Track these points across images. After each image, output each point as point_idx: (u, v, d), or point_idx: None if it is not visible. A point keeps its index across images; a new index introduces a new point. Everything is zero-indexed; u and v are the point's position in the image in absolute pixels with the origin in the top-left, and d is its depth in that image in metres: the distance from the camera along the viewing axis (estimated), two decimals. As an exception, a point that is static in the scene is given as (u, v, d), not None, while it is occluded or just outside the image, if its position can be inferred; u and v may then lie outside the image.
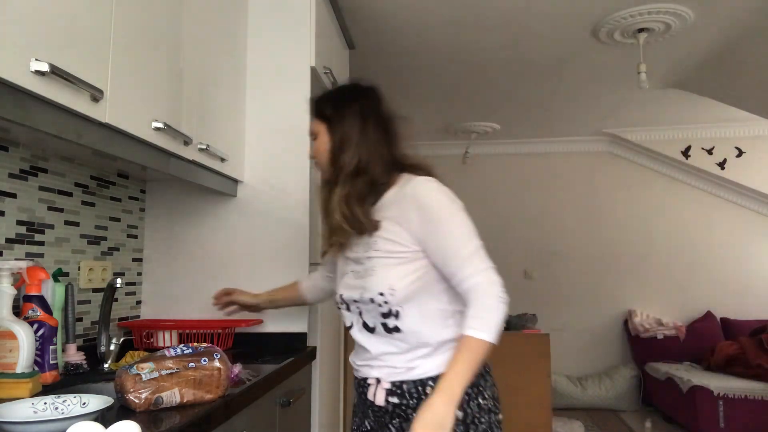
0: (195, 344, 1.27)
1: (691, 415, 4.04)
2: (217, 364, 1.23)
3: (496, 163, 5.52)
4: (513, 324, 3.74)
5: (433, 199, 1.28)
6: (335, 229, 1.33)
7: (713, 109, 4.47)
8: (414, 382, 1.28)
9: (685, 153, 5.07)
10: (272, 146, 2.14)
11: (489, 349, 1.19)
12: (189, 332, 1.94)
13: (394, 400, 1.30)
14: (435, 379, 1.25)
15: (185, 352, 1.23)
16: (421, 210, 1.26)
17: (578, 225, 5.33)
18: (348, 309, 1.37)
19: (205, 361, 1.22)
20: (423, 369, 1.28)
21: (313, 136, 1.42)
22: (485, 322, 1.19)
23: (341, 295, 1.38)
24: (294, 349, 1.98)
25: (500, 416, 1.33)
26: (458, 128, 4.98)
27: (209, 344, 1.30)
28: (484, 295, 1.21)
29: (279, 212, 2.11)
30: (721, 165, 5.00)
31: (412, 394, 1.28)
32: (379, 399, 1.31)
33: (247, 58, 2.17)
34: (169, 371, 1.16)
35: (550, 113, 4.61)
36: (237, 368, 1.39)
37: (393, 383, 1.30)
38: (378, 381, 1.32)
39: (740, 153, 4.98)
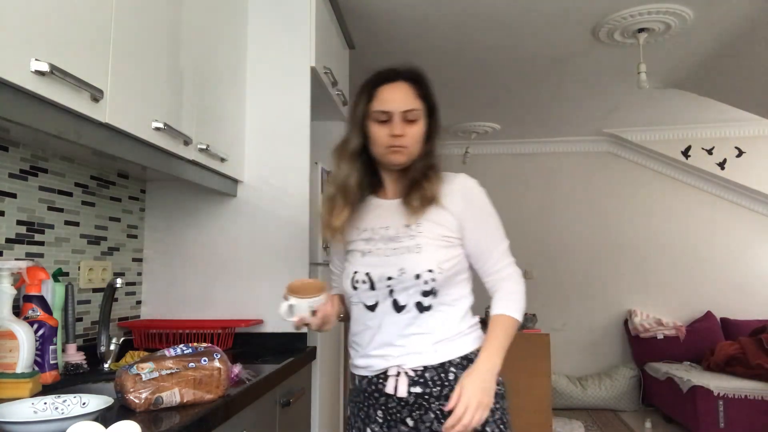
0: (195, 344, 1.27)
1: (691, 415, 4.04)
2: (217, 364, 1.23)
3: (496, 163, 5.52)
4: (513, 324, 3.73)
5: (481, 196, 1.42)
6: (425, 203, 1.36)
7: (713, 109, 4.47)
8: (436, 368, 1.30)
9: (685, 153, 5.07)
10: (272, 146, 2.14)
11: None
12: (189, 332, 1.94)
13: (417, 389, 1.30)
14: (456, 364, 1.31)
15: (185, 352, 1.23)
16: (471, 203, 1.39)
17: (578, 225, 5.33)
18: (373, 287, 1.34)
19: (205, 361, 1.22)
20: (445, 353, 1.31)
21: (412, 118, 1.36)
22: (518, 306, 1.37)
23: (367, 273, 1.35)
24: (294, 349, 1.98)
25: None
26: (458, 128, 4.98)
27: (209, 344, 1.30)
28: (517, 284, 1.39)
29: (279, 212, 2.11)
30: (721, 165, 5.00)
31: (435, 381, 1.30)
32: (401, 390, 1.30)
33: (247, 58, 2.17)
34: (169, 371, 1.16)
35: (550, 113, 4.60)
36: (237, 368, 1.39)
37: (416, 371, 1.30)
38: (398, 372, 1.31)
39: (740, 153, 4.98)
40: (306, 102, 2.15)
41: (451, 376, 1.30)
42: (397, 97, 1.35)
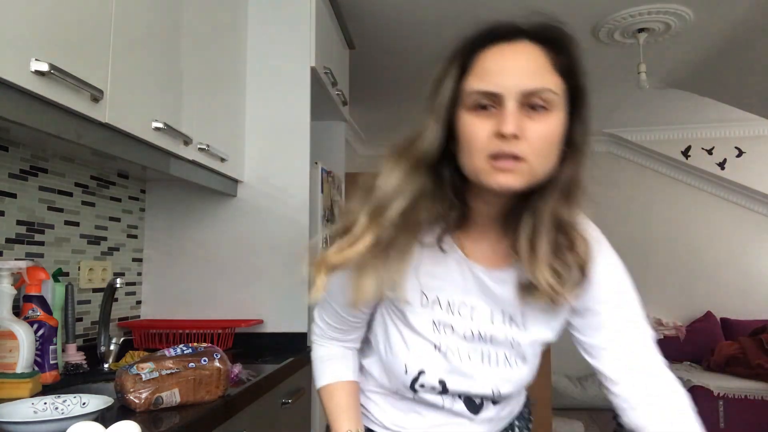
0: (195, 344, 1.27)
1: (691, 415, 4.04)
2: (217, 364, 1.23)
3: (496, 163, 5.51)
4: (513, 324, 3.73)
5: (623, 273, 0.96)
6: (543, 287, 0.84)
7: (713, 109, 4.47)
8: (506, 429, 1.02)
9: (685, 153, 5.07)
10: (272, 146, 2.14)
11: None
12: (189, 332, 1.94)
13: None
14: (516, 416, 1.06)
15: (185, 352, 1.23)
16: (609, 290, 0.95)
17: (578, 225, 5.33)
18: (444, 393, 0.91)
19: (205, 361, 1.22)
20: (514, 410, 1.04)
21: (541, 104, 0.79)
22: None
23: (442, 382, 0.90)
24: (294, 349, 1.97)
25: None
26: (458, 128, 4.98)
27: (209, 344, 1.30)
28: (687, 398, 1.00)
29: (279, 212, 2.11)
30: (721, 165, 5.00)
31: None
32: None
33: (247, 58, 2.17)
34: (169, 371, 1.16)
35: (550, 113, 4.60)
36: (237, 368, 1.39)
37: None
38: None
39: (740, 153, 4.98)
40: (306, 102, 2.15)
41: None
42: (513, 67, 0.80)
